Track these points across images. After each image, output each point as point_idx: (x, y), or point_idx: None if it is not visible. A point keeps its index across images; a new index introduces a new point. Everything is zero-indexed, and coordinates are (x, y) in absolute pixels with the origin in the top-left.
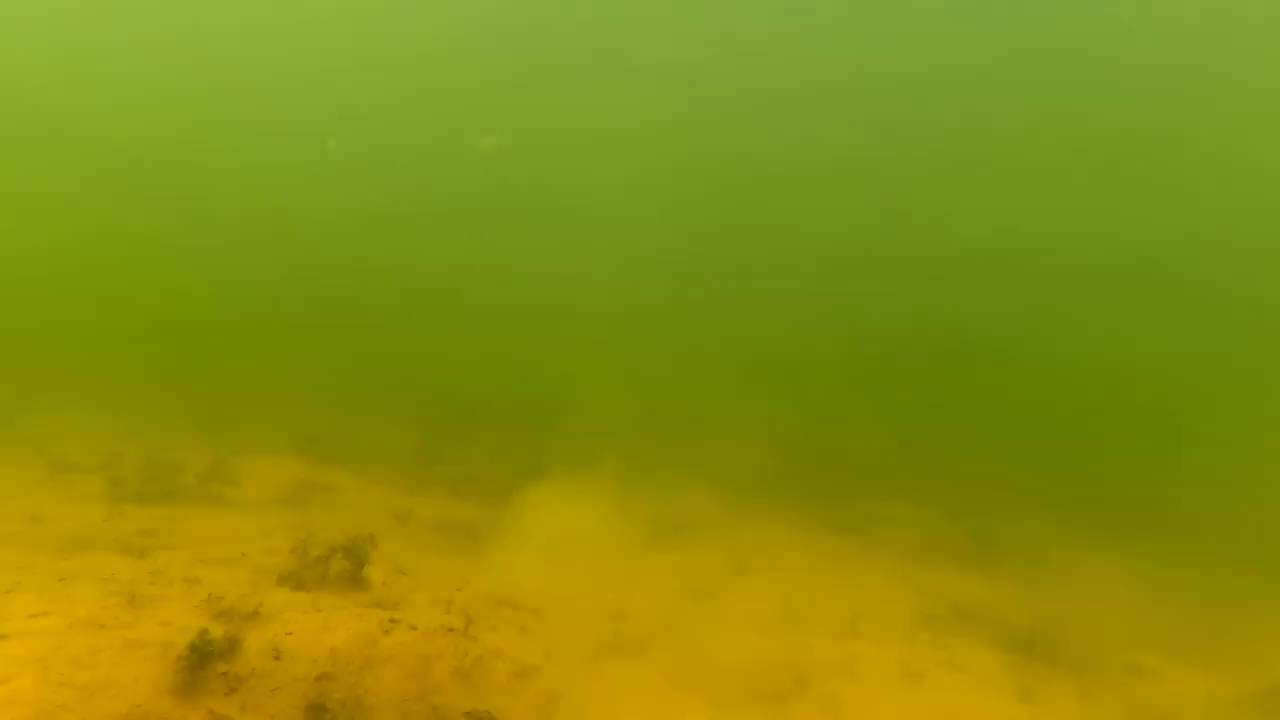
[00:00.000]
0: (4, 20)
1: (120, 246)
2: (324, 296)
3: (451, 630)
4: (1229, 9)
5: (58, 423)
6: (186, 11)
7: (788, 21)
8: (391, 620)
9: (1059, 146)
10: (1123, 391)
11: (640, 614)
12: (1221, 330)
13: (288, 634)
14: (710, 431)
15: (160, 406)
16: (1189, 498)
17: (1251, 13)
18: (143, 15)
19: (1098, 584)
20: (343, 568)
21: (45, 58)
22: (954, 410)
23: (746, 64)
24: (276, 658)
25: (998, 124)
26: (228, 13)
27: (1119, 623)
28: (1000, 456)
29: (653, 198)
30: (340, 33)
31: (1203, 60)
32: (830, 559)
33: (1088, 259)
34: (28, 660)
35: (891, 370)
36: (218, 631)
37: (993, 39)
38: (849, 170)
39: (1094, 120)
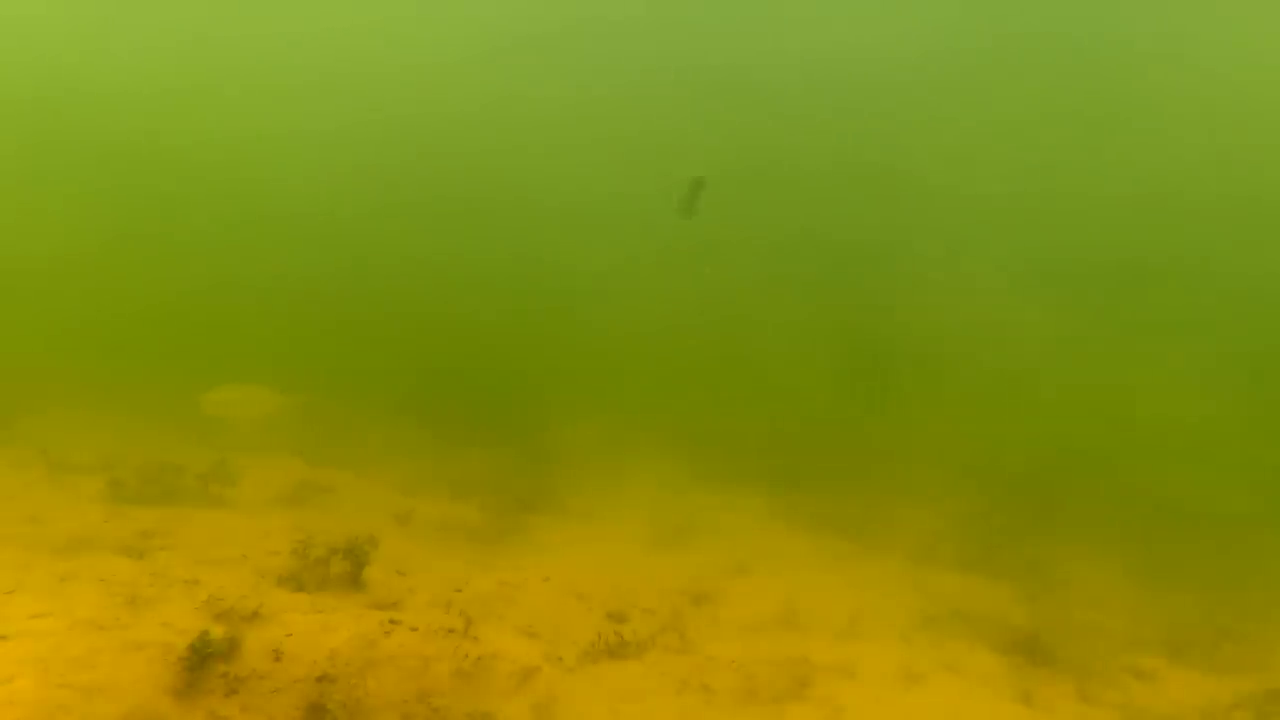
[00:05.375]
0: (7, 20)
1: (120, 245)
2: (324, 295)
3: (452, 631)
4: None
5: (58, 423)
6: (192, 15)
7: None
8: (391, 621)
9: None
10: (1123, 390)
11: (640, 614)
12: (1220, 329)
13: (288, 635)
14: (710, 431)
15: (160, 406)
16: (1189, 498)
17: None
18: (147, 18)
19: (1098, 585)
20: (343, 569)
21: (51, 58)
22: (954, 410)
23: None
24: (277, 659)
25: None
26: (236, 16)
27: (1119, 624)
28: (1000, 456)
29: (652, 195)
30: (347, 37)
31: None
32: (830, 559)
33: (1088, 259)
34: (28, 661)
35: (891, 369)
36: (218, 632)
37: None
38: (852, 171)
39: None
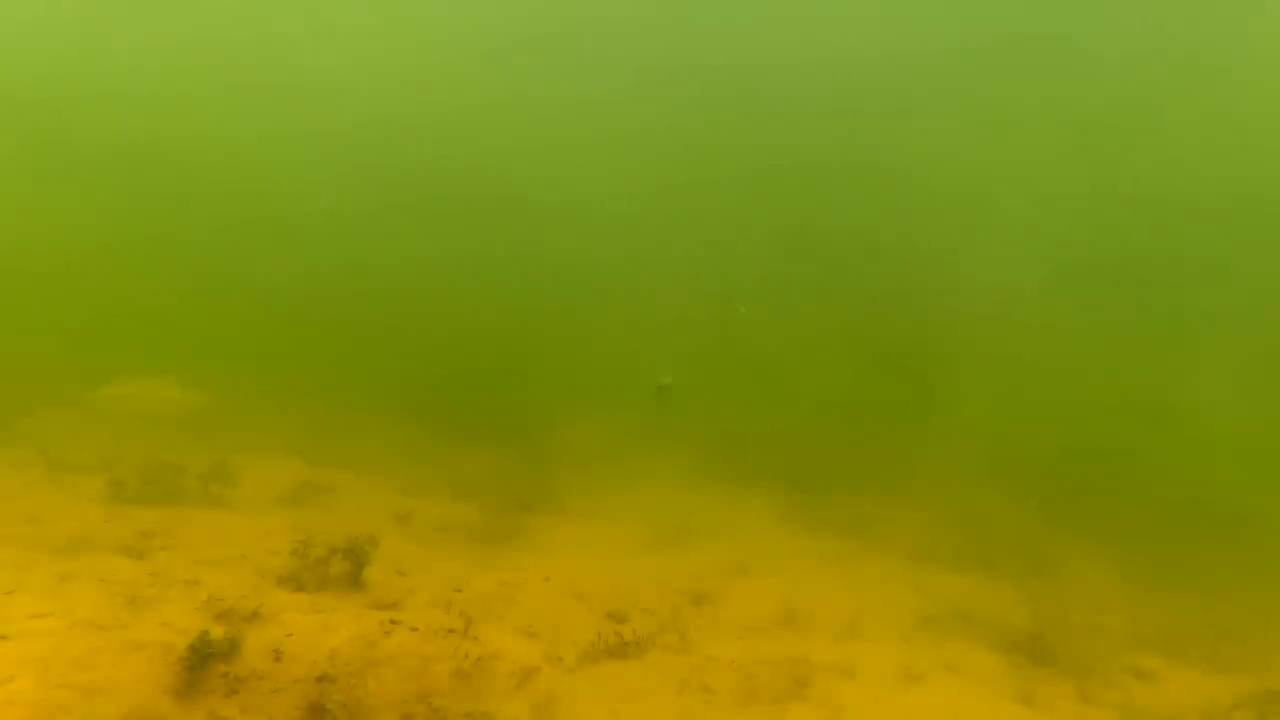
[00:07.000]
0: (7, 20)
1: (121, 245)
2: (324, 295)
3: (451, 631)
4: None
5: (58, 423)
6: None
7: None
8: (391, 621)
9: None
10: (1122, 391)
11: (640, 614)
12: (1220, 328)
13: (288, 635)
14: (710, 432)
15: (160, 406)
16: (1190, 498)
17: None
18: (147, 18)
19: (1098, 585)
20: (343, 569)
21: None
22: (954, 410)
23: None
24: (277, 659)
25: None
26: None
27: (1119, 624)
28: (1000, 456)
29: (655, 196)
30: (351, 37)
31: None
32: (830, 559)
33: (1094, 260)
34: (28, 661)
35: (890, 369)
36: (218, 633)
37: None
38: (852, 172)
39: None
